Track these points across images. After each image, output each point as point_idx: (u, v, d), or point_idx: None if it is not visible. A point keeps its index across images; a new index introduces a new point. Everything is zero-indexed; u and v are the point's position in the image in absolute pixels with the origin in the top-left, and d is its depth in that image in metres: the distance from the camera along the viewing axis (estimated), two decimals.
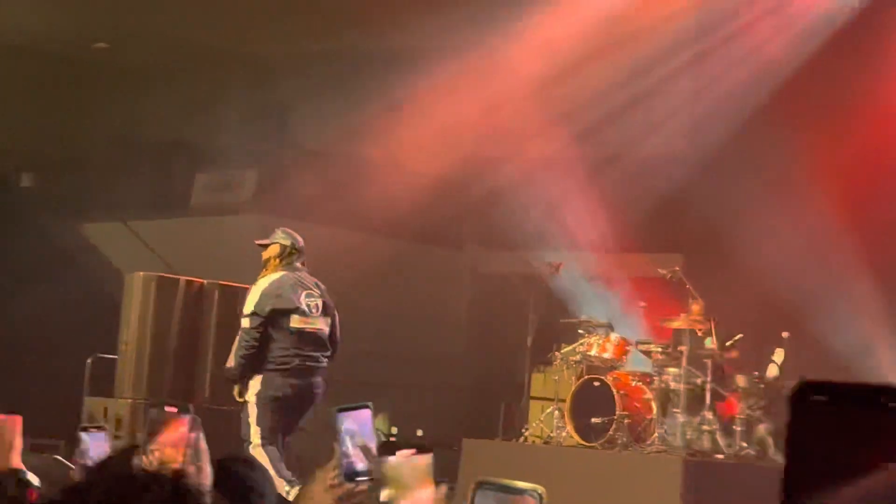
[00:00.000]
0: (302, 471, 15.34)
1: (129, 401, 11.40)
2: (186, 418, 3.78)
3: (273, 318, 9.15)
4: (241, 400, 9.47)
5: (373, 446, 3.47)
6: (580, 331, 12.78)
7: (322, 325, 9.37)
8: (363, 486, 3.52)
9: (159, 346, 11.51)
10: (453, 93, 20.30)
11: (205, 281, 12.07)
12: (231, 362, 9.43)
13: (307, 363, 9.35)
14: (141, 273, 12.16)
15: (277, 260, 9.37)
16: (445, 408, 18.82)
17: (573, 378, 12.70)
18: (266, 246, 9.50)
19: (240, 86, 23.38)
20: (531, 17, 18.47)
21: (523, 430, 13.12)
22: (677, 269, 12.68)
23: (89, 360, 13.00)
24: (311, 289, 9.39)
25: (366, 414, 3.56)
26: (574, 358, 12.74)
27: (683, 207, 16.33)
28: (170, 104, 24.18)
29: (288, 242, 9.41)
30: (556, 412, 12.52)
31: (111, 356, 12.18)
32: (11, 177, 23.00)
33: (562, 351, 13.09)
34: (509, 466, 12.30)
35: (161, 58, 23.65)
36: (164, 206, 21.54)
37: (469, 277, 22.19)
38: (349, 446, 3.50)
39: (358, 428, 3.53)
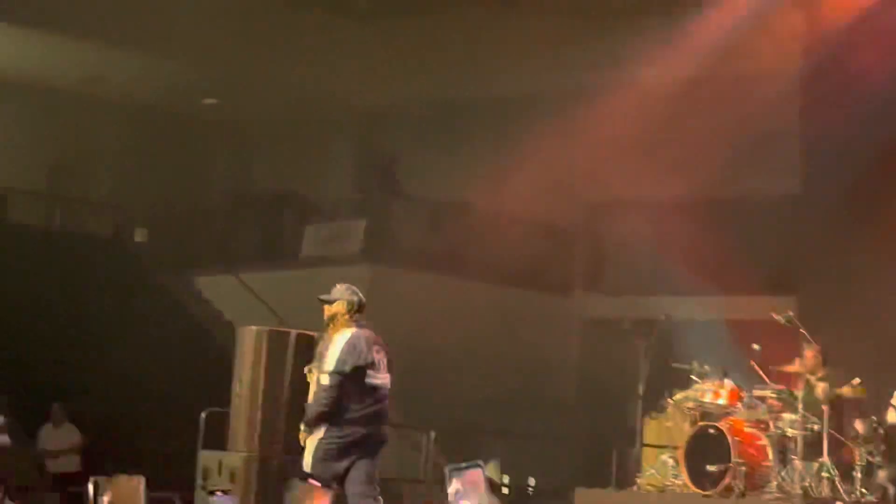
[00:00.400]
0: None
1: (244, 454, 11.48)
2: (329, 494, 3.73)
3: (352, 375, 9.20)
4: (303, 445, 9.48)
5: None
6: (693, 377, 12.62)
7: (388, 380, 9.44)
8: None
9: (272, 400, 11.56)
10: (562, 140, 20.29)
11: (315, 333, 12.10)
12: (308, 416, 9.47)
13: (379, 414, 9.42)
14: (253, 327, 12.24)
15: (346, 316, 9.36)
16: (557, 455, 18.69)
17: (687, 425, 12.52)
18: (330, 302, 9.48)
19: (348, 138, 23.64)
20: (639, 64, 18.44)
21: (637, 478, 12.96)
22: (791, 312, 12.47)
23: (203, 414, 13.12)
24: (379, 344, 9.42)
25: (477, 475, 3.54)
26: (687, 404, 12.56)
27: (797, 250, 16.12)
28: (279, 157, 24.53)
29: (355, 299, 9.37)
30: (671, 460, 12.35)
31: (224, 409, 12.27)
32: (126, 232, 23.44)
33: (675, 397, 12.93)
34: None
35: (270, 112, 24.02)
36: (275, 258, 21.76)
37: (578, 323, 22.07)
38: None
39: (469, 489, 3.52)
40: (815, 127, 16.75)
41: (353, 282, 20.74)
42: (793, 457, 11.77)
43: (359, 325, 9.20)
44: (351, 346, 9.01)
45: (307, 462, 9.08)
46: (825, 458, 11.61)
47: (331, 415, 9.04)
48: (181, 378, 18.07)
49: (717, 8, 17.27)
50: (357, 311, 9.24)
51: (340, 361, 8.93)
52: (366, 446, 9.15)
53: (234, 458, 11.64)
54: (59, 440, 16.27)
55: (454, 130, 22.05)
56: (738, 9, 17.01)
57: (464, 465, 3.23)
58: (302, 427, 9.09)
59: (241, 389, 11.79)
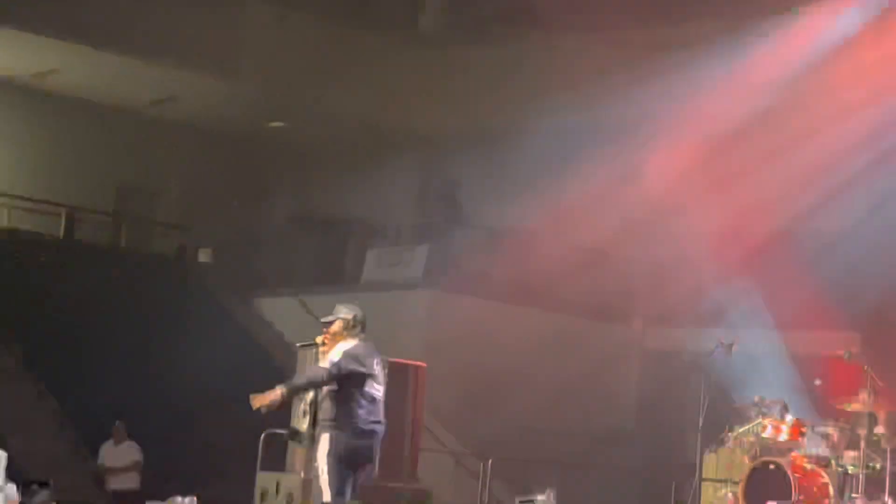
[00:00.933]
0: None
1: (301, 476, 11.53)
2: None
3: (352, 380, 9.47)
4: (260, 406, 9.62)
5: None
6: (754, 412, 12.52)
7: (382, 392, 9.76)
8: None
9: None
10: (626, 170, 20.26)
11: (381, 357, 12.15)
12: (296, 380, 9.80)
13: (375, 427, 9.63)
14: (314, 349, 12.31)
15: (344, 333, 9.70)
16: (614, 487, 18.56)
17: (747, 459, 12.42)
18: (330, 323, 9.85)
19: (412, 163, 23.71)
20: (695, 90, 18.37)
21: None
22: (855, 350, 12.35)
23: (263, 435, 13.18)
24: (379, 357, 9.75)
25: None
26: (748, 439, 12.47)
27: (862, 285, 15.95)
28: (342, 181, 24.66)
29: (350, 316, 9.74)
30: (730, 495, 12.26)
31: (283, 431, 12.33)
32: (190, 252, 23.64)
33: (735, 432, 12.83)
34: None
35: (334, 136, 24.17)
36: (336, 282, 21.86)
37: (638, 353, 21.95)
38: None
39: None
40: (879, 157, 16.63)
41: (413, 307, 20.92)
42: (854, 495, 11.64)
43: (362, 339, 9.54)
44: (354, 352, 9.36)
45: (324, 480, 9.24)
46: (887, 497, 11.47)
47: (334, 412, 9.28)
48: (241, 398, 18.13)
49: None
50: (355, 327, 9.58)
51: (343, 360, 9.27)
52: (364, 459, 9.41)
53: (292, 479, 11.69)
54: (120, 458, 16.39)
55: (516, 157, 22.06)
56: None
57: (533, 498, 3.20)
58: (282, 387, 9.32)
59: (300, 411, 11.84)
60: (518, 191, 21.21)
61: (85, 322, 19.27)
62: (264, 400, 9.32)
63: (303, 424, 10.43)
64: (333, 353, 9.48)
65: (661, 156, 19.71)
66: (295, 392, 9.73)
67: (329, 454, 9.27)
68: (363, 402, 9.44)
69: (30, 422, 17.44)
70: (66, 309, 19.46)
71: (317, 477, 9.36)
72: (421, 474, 13.60)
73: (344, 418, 9.33)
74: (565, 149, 21.37)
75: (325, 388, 9.47)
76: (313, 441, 9.62)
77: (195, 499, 3.95)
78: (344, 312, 9.72)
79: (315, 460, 9.44)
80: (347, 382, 9.37)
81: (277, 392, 9.33)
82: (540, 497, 3.35)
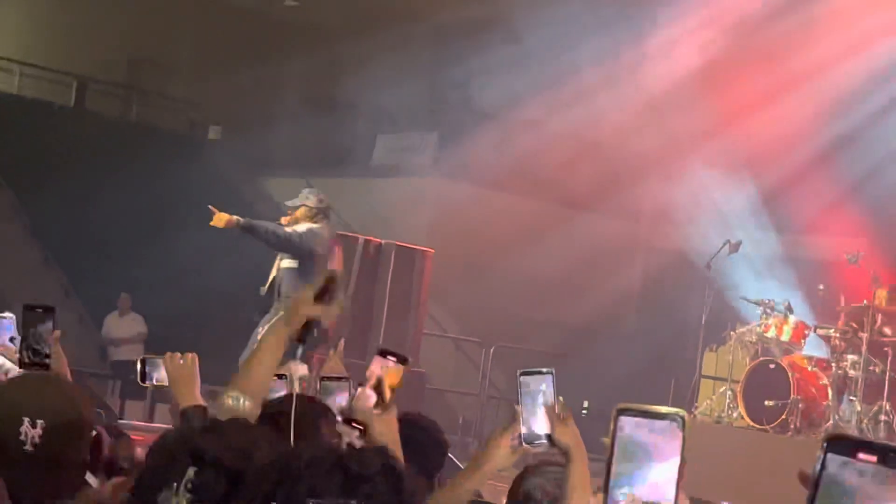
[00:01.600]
0: (469, 432, 15.46)
1: (306, 367, 11.58)
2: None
3: (312, 259, 9.76)
4: None
5: (556, 409, 3.48)
6: (758, 311, 12.55)
7: None
8: (540, 449, 3.54)
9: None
10: (639, 64, 20.08)
11: (382, 241, 12.19)
12: (257, 222, 10.03)
13: None
14: None
15: (308, 219, 9.92)
16: (613, 380, 18.70)
17: (747, 359, 12.48)
18: (294, 207, 10.06)
19: (425, 50, 23.51)
20: None
21: (693, 409, 12.97)
22: (861, 251, 12.32)
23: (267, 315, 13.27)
24: (338, 245, 10.04)
25: (548, 379, 3.57)
26: (750, 338, 12.51)
27: (870, 190, 15.89)
28: (355, 65, 24.49)
29: (314, 201, 9.99)
30: (729, 392, 12.35)
31: None
32: (200, 129, 23.58)
33: (737, 331, 12.87)
34: None
35: (349, 18, 23.97)
36: (345, 165, 21.83)
37: (642, 249, 21.97)
38: (531, 409, 3.51)
39: (541, 391, 3.53)
40: None
41: (420, 194, 20.90)
42: (852, 398, 11.72)
43: (325, 223, 9.84)
44: (316, 232, 9.62)
45: None
46: (884, 401, 11.55)
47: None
48: (245, 278, 18.23)
49: None
50: (318, 214, 9.80)
51: (305, 233, 9.51)
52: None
53: (299, 367, 11.79)
54: (124, 329, 16.52)
55: (531, 51, 21.86)
56: None
57: (535, 369, 3.22)
58: (243, 219, 9.54)
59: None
60: (534, 83, 21.06)
61: (93, 193, 19.27)
62: (221, 219, 9.62)
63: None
64: (298, 227, 9.71)
65: (677, 54, 19.52)
66: (250, 229, 9.93)
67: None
68: None
69: (35, 290, 17.51)
70: (75, 178, 19.45)
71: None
72: (422, 357, 13.72)
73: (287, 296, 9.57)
74: (580, 42, 21.19)
75: (285, 264, 9.66)
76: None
77: (195, 355, 3.92)
78: (308, 198, 9.91)
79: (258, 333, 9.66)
80: (308, 262, 9.57)
81: (235, 218, 9.63)
82: (544, 369, 3.37)
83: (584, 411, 19.08)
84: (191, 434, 2.73)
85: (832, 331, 12.13)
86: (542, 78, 20.74)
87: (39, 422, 3.18)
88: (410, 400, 12.14)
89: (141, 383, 4.66)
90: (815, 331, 12.31)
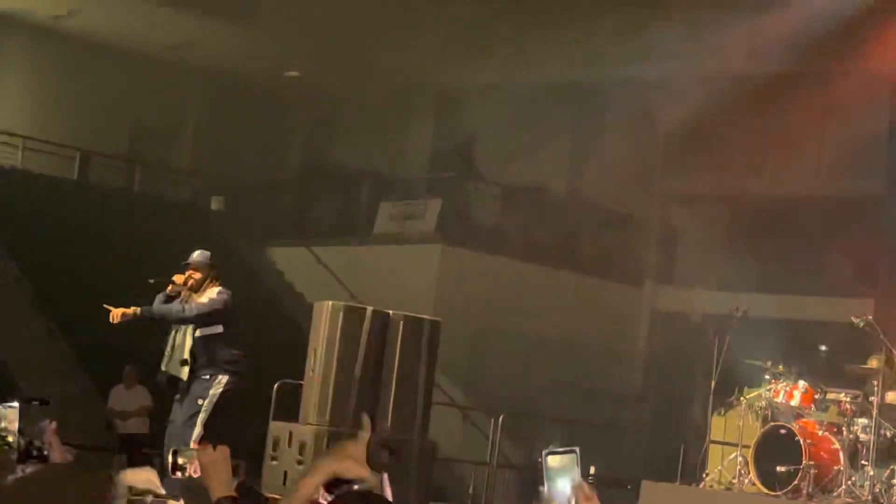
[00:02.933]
0: (479, 502, 15.38)
1: (314, 427, 11.56)
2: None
3: (232, 322, 10.00)
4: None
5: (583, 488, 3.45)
6: (766, 376, 12.50)
7: None
8: None
9: (345, 374, 11.62)
10: (635, 129, 20.18)
11: (391, 312, 12.17)
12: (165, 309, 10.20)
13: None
14: (329, 302, 12.31)
15: (209, 278, 10.19)
16: (620, 446, 18.64)
17: (757, 424, 12.42)
18: (198, 266, 10.28)
19: (427, 117, 23.65)
20: (722, 58, 18.28)
21: (703, 475, 12.89)
22: (870, 316, 12.31)
23: (276, 385, 13.22)
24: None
25: (573, 458, 3.54)
26: (759, 403, 12.46)
27: (878, 251, 15.90)
28: (357, 133, 24.60)
29: (207, 262, 10.28)
30: (740, 458, 12.26)
31: (297, 381, 12.35)
32: (203, 199, 23.63)
33: (746, 395, 12.81)
34: None
35: (350, 88, 24.09)
36: (348, 234, 21.86)
37: (648, 314, 21.96)
38: (556, 489, 3.49)
39: (566, 470, 3.51)
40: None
41: (425, 260, 20.87)
42: (864, 462, 11.65)
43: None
44: (225, 290, 9.81)
45: (201, 420, 9.54)
46: None
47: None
48: (250, 347, 18.18)
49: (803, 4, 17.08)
50: (217, 277, 10.11)
51: (227, 297, 9.69)
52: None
53: (305, 430, 11.72)
54: (130, 402, 16.45)
55: (532, 115, 21.99)
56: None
57: (561, 448, 3.20)
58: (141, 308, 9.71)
59: (315, 363, 11.88)
60: (533, 148, 21.16)
61: (97, 264, 19.30)
62: (116, 315, 9.85)
63: (183, 372, 10.52)
64: (209, 292, 9.86)
65: (678, 117, 19.64)
66: (153, 315, 10.16)
67: (220, 395, 9.64)
68: (235, 343, 10.00)
69: (41, 363, 17.49)
70: (79, 251, 19.48)
71: (185, 420, 9.65)
72: (430, 427, 13.64)
73: (232, 361, 9.75)
74: (582, 108, 21.32)
75: (201, 332, 9.79)
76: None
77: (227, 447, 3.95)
78: (208, 258, 10.16)
79: (198, 400, 9.73)
80: (232, 323, 9.78)
81: (132, 310, 9.84)
82: (568, 449, 3.34)
83: (590, 478, 19.00)
84: None
85: (842, 395, 12.08)
86: (544, 143, 20.86)
87: None
88: (420, 471, 12.09)
89: (172, 475, 4.65)
90: (824, 395, 12.26)
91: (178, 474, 4.64)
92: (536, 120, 21.44)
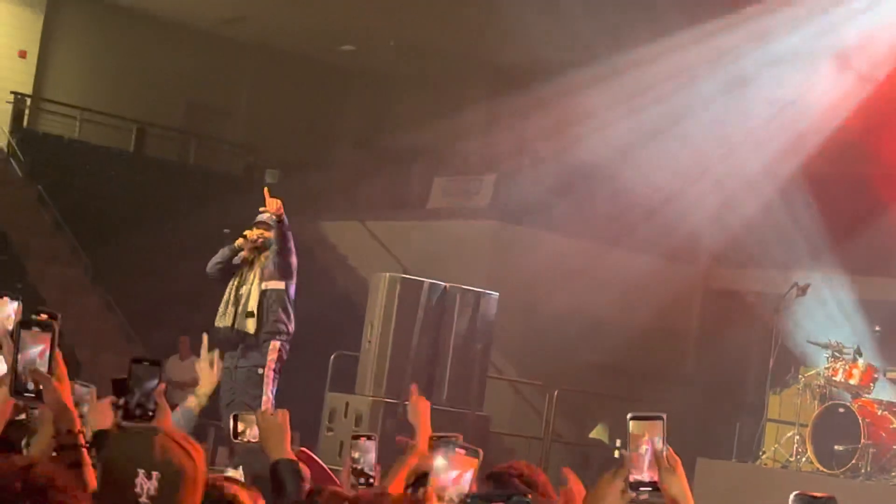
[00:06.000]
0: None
1: (370, 398, 11.60)
2: (475, 461, 3.73)
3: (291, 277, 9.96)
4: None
5: (665, 453, 3.42)
6: (825, 354, 12.41)
7: None
8: (645, 496, 3.49)
9: (401, 347, 11.67)
10: (693, 111, 20.04)
11: (447, 284, 12.19)
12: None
13: None
14: (387, 274, 12.34)
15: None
16: (675, 424, 18.57)
17: (815, 402, 12.34)
18: (269, 227, 10.17)
19: (483, 92, 23.57)
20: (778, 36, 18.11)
21: (760, 453, 12.84)
22: None
23: (333, 357, 13.27)
24: None
25: (658, 424, 3.51)
26: (817, 382, 12.37)
27: None
28: (412, 108, 24.58)
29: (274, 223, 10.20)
30: (797, 437, 12.20)
31: (353, 353, 12.40)
32: (257, 172, 23.72)
33: (804, 374, 12.74)
34: (744, 489, 12.06)
35: (405, 63, 24.07)
36: (401, 208, 21.87)
37: (700, 292, 21.83)
38: (639, 455, 3.46)
39: (650, 437, 3.48)
40: None
41: (479, 236, 20.85)
42: None
43: None
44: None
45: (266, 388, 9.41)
46: None
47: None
48: (305, 320, 18.26)
49: None
50: None
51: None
52: None
53: (361, 400, 11.78)
54: (185, 372, 16.56)
55: (587, 93, 21.87)
56: None
57: (645, 413, 3.18)
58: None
59: (372, 335, 11.91)
60: (587, 124, 21.05)
61: (153, 237, 19.42)
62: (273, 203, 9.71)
63: (250, 325, 10.10)
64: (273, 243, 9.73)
65: (733, 97, 19.48)
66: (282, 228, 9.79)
67: (276, 363, 9.56)
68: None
69: (97, 334, 17.63)
70: (135, 223, 19.61)
71: (251, 388, 9.50)
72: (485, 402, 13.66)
73: (287, 325, 9.65)
74: (639, 86, 21.17)
75: (270, 286, 9.62)
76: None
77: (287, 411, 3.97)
78: (275, 221, 10.04)
79: (258, 369, 9.58)
80: (292, 282, 9.69)
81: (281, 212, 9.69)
82: (655, 414, 3.31)
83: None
84: None
85: None
86: (599, 122, 20.74)
87: (155, 473, 3.17)
88: (475, 444, 12.10)
89: (233, 440, 4.69)
90: (884, 374, 12.18)
91: (239, 439, 4.68)
92: (590, 96, 21.33)
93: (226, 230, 10.45)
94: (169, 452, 3.24)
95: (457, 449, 3.58)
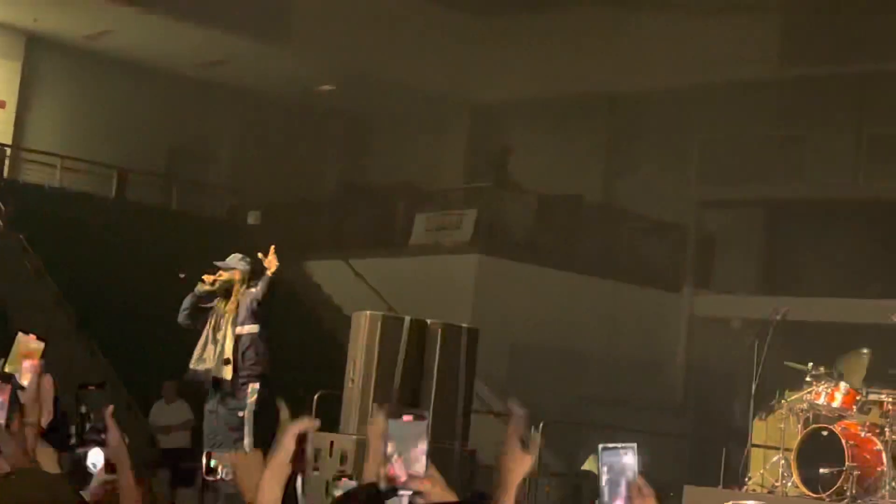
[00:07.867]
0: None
1: (354, 437, 11.59)
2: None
3: (266, 319, 9.97)
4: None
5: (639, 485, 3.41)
6: (808, 378, 12.43)
7: None
8: None
9: (384, 384, 11.67)
10: (674, 138, 20.15)
11: (429, 321, 12.20)
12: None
13: None
14: (368, 312, 12.35)
15: (243, 285, 10.13)
16: (661, 453, 18.58)
17: (799, 427, 12.35)
18: (229, 269, 10.19)
19: (462, 129, 23.70)
20: (753, 63, 18.23)
21: (746, 479, 12.83)
22: None
23: (316, 396, 13.25)
24: None
25: (629, 453, 3.48)
26: (800, 406, 12.39)
27: None
28: (392, 146, 24.67)
29: (248, 268, 10.15)
30: (782, 461, 12.20)
31: (336, 392, 12.39)
32: (240, 215, 23.75)
33: (788, 399, 12.75)
34: None
35: (384, 101, 24.17)
36: (385, 245, 21.90)
37: (685, 320, 21.89)
38: (612, 485, 3.45)
39: (623, 466, 3.46)
40: None
41: (462, 271, 20.86)
42: None
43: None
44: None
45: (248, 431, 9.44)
46: None
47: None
48: (290, 360, 18.25)
49: None
50: (251, 280, 10.04)
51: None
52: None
53: (346, 440, 11.76)
54: (171, 417, 16.53)
55: (567, 125, 22.00)
56: None
57: (618, 445, 3.17)
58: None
59: (355, 373, 11.91)
60: (568, 158, 21.16)
61: (136, 282, 19.42)
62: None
63: (226, 371, 10.24)
64: (252, 290, 9.76)
65: (713, 123, 19.59)
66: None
67: (255, 404, 9.58)
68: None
69: (82, 379, 17.56)
70: (118, 269, 19.60)
71: (236, 428, 9.51)
72: (470, 435, 13.64)
73: (263, 366, 9.69)
74: (615, 117, 21.31)
75: (246, 329, 9.68)
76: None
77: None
78: (242, 265, 10.06)
79: (238, 412, 9.61)
80: (268, 326, 9.71)
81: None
82: (625, 445, 3.31)
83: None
84: None
85: (883, 396, 12.02)
86: (579, 152, 20.85)
87: None
88: (463, 478, 12.09)
89: (206, 477, 4.69)
90: (866, 396, 12.20)
91: (212, 477, 4.67)
92: (570, 130, 21.45)
93: (181, 274, 10.47)
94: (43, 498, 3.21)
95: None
